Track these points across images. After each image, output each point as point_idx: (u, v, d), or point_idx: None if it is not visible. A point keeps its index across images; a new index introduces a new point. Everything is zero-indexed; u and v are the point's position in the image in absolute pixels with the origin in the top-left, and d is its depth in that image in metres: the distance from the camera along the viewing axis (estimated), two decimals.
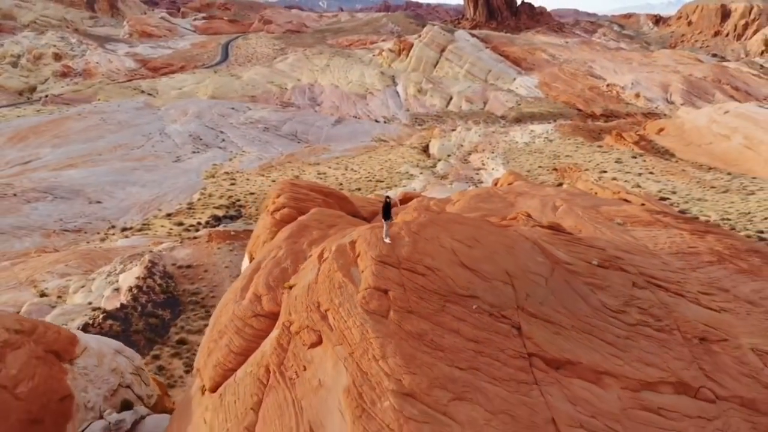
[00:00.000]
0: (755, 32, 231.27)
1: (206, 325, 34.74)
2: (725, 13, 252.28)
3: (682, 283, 14.04)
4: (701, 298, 13.56)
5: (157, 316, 34.68)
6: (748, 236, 41.70)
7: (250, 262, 17.15)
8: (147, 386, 13.58)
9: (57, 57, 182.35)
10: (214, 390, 9.30)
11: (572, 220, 20.50)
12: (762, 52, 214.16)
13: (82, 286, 42.58)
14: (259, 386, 8.33)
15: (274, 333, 8.90)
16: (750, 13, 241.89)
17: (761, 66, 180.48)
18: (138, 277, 38.00)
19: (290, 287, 9.67)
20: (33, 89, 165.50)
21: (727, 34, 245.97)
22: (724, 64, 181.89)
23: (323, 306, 8.77)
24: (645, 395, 8.76)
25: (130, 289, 36.65)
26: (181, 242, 48.88)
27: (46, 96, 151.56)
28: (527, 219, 15.25)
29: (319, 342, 8.40)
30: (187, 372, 29.69)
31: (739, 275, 17.60)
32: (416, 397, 7.09)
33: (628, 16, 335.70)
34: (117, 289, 38.59)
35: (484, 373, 7.62)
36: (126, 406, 11.85)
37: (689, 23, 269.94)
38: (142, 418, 11.80)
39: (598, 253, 13.01)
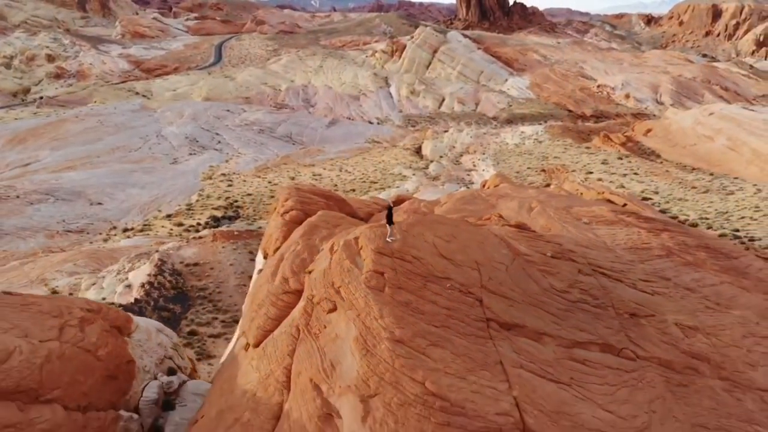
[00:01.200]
0: (746, 32, 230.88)
1: (215, 318, 37.69)
2: (716, 13, 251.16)
3: (625, 272, 16.96)
4: (639, 283, 16.48)
5: (169, 309, 37.20)
6: (724, 235, 43.39)
7: (264, 257, 19.94)
8: (183, 360, 16.43)
9: (50, 58, 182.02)
10: (257, 345, 12.57)
11: (544, 220, 23.34)
12: (753, 52, 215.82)
13: (93, 284, 44.79)
14: (293, 340, 11.66)
15: (301, 304, 12.20)
16: (741, 13, 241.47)
17: (751, 66, 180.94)
18: (149, 275, 40.46)
19: (310, 272, 12.95)
20: (27, 91, 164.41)
21: (718, 34, 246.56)
22: (714, 64, 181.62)
23: (336, 284, 11.98)
24: (575, 351, 11.75)
25: (143, 285, 39.12)
26: (187, 242, 51.15)
27: (41, 98, 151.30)
28: (499, 219, 18.22)
29: (335, 309, 11.67)
30: (198, 360, 32.28)
31: (684, 267, 20.46)
32: (404, 342, 10.26)
33: (620, 16, 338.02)
34: (129, 286, 41.03)
35: (453, 330, 10.77)
36: (171, 372, 14.74)
37: (680, 23, 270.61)
38: (184, 382, 14.69)
39: (554, 247, 15.96)
